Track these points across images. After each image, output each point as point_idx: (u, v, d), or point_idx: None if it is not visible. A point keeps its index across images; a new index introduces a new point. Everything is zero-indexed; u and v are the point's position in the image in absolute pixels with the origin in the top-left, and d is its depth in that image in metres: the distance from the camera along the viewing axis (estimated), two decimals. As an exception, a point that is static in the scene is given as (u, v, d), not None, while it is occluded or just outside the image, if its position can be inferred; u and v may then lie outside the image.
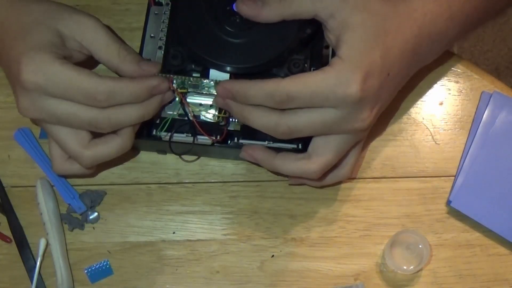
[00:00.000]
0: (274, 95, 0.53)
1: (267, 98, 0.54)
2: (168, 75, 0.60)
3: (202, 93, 0.61)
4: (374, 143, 0.70)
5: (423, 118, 0.71)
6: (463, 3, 0.60)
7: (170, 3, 0.64)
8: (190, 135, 0.61)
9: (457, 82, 0.72)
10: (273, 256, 0.67)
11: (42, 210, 0.66)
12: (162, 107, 0.61)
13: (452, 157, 0.69)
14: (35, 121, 0.64)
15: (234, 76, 0.60)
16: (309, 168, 0.58)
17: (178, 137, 0.62)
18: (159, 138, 0.62)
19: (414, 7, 0.57)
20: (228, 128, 0.62)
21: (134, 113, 0.57)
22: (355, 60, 0.53)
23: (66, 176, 0.67)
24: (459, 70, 0.72)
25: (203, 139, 0.62)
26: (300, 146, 0.61)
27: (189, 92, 0.61)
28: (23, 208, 0.68)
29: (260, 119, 0.56)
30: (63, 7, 0.59)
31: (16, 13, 0.58)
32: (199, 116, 0.61)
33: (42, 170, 0.68)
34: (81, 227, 0.67)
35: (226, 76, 0.60)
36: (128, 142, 0.58)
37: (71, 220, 0.67)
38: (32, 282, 0.65)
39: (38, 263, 0.65)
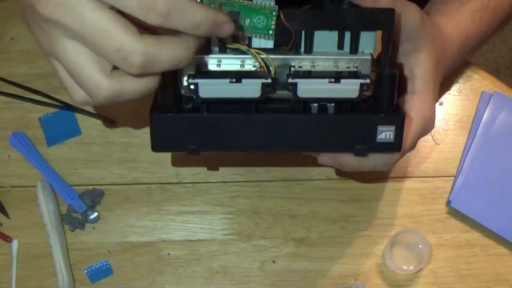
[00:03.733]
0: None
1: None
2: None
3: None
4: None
5: (423, 118, 0.71)
6: (477, 25, 0.63)
7: None
8: (233, 80, 0.48)
9: (457, 82, 0.72)
10: (274, 262, 0.67)
11: (42, 212, 0.66)
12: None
13: (452, 157, 0.69)
14: (44, 39, 0.46)
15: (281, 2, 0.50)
16: (396, 158, 0.56)
17: (211, 87, 0.48)
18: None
19: (452, 41, 0.60)
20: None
21: (176, 52, 0.44)
22: (431, 96, 0.55)
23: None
24: (459, 70, 0.72)
25: (249, 85, 0.48)
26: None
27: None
28: (23, 208, 0.68)
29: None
30: None
31: None
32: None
33: (40, 172, 0.68)
34: (82, 227, 0.67)
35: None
36: (156, 83, 0.46)
37: (72, 221, 0.67)
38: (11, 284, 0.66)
39: (14, 264, 0.66)
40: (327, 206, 0.68)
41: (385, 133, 0.51)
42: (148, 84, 0.45)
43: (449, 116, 0.71)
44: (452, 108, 0.71)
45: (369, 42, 0.51)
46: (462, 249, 0.67)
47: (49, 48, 0.45)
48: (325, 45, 0.50)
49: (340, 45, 0.51)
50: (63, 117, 0.70)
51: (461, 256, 0.67)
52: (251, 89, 0.48)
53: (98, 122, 0.70)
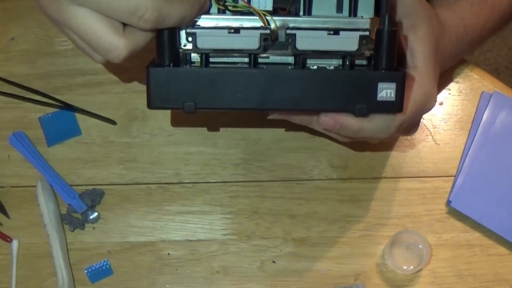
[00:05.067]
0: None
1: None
2: None
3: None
4: (374, 143, 0.70)
5: (423, 118, 0.71)
6: (475, 19, 0.64)
7: None
8: (232, 31, 0.49)
9: (457, 82, 0.72)
10: (274, 262, 0.67)
11: (42, 212, 0.66)
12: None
13: (452, 157, 0.69)
14: (52, 13, 0.48)
15: None
16: (398, 122, 0.54)
17: (209, 36, 0.49)
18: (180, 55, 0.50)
19: (450, 29, 0.61)
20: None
21: (182, 9, 0.48)
22: (432, 74, 0.55)
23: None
24: (459, 70, 0.72)
25: (248, 36, 0.49)
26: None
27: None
28: (23, 208, 0.68)
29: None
30: None
31: None
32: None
33: (40, 172, 0.68)
34: (82, 227, 0.67)
35: None
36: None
37: (72, 221, 0.67)
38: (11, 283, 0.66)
39: (14, 264, 0.66)
40: (327, 206, 0.68)
41: (386, 91, 0.50)
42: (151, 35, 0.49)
43: (449, 116, 0.71)
44: (452, 108, 0.71)
45: (368, 6, 0.51)
46: (462, 249, 0.67)
47: (59, 18, 0.47)
48: (324, 8, 0.51)
49: (339, 8, 0.51)
50: (63, 117, 0.70)
51: (461, 256, 0.67)
52: (249, 40, 0.48)
53: (98, 122, 0.70)
